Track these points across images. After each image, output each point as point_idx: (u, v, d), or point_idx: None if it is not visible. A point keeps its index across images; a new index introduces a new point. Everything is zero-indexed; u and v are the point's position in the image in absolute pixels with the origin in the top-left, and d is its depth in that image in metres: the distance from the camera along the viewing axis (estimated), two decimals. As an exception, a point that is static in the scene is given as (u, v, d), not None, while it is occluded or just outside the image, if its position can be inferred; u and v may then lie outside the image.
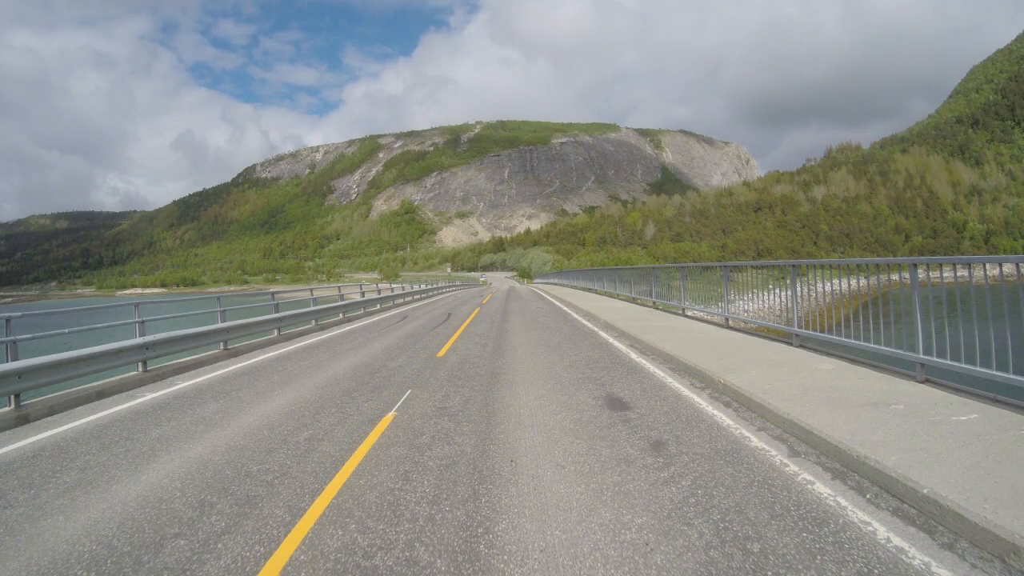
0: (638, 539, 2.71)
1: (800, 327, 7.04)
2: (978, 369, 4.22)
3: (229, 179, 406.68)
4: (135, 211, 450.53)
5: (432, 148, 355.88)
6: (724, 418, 4.70)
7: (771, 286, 8.67)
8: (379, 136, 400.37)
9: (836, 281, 7.32)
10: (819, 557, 2.51)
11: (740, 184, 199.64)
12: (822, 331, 6.53)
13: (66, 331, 7.32)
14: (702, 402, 5.25)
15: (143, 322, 8.14)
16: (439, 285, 38.30)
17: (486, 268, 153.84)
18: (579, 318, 14.08)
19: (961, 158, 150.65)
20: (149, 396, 6.62)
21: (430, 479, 3.57)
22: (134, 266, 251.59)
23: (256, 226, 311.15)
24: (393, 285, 30.14)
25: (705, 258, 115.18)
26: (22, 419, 5.60)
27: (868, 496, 3.10)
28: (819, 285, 7.03)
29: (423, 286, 32.19)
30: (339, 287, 19.95)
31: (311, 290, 15.68)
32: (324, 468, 3.85)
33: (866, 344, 5.58)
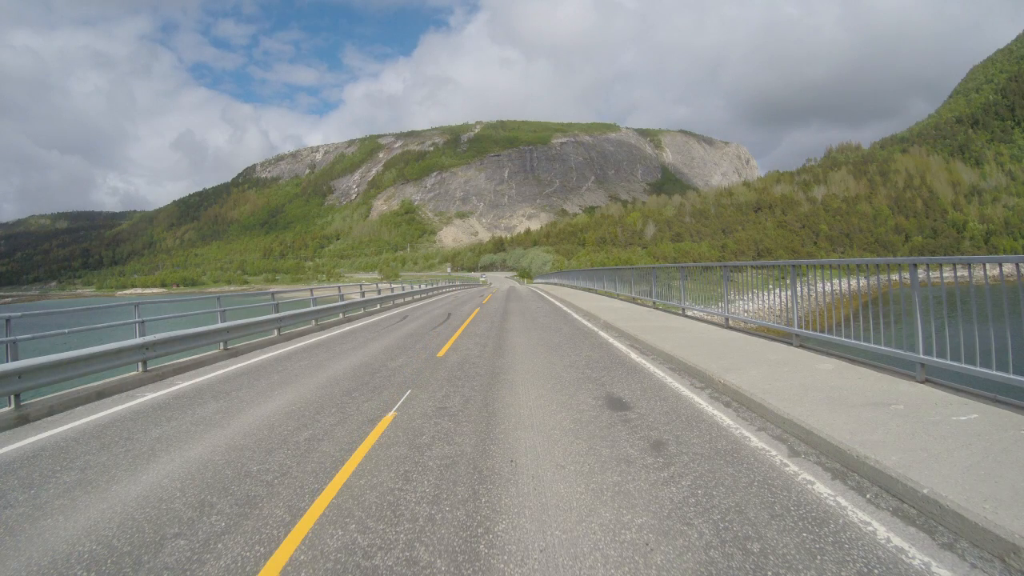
0: (638, 539, 2.71)
1: (800, 327, 7.04)
2: (978, 369, 4.22)
3: (229, 179, 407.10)
4: (135, 211, 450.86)
5: (432, 148, 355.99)
6: (724, 418, 4.70)
7: (771, 286, 8.68)
8: (379, 136, 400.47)
9: (836, 281, 7.32)
10: (819, 557, 2.51)
11: (740, 184, 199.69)
12: (822, 331, 6.53)
13: (66, 331, 7.32)
14: (702, 402, 5.25)
15: (143, 322, 8.14)
16: (439, 285, 38.29)
17: (486, 268, 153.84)
18: (579, 318, 14.08)
19: (961, 158, 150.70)
20: (149, 396, 6.62)
21: (430, 479, 3.57)
22: (134, 266, 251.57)
23: (256, 226, 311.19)
24: (393, 285, 30.14)
25: (705, 258, 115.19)
26: (22, 419, 5.60)
27: (868, 496, 3.10)
28: (819, 285, 7.03)
29: (423, 286, 32.19)
30: (339, 287, 19.95)
31: (311, 290, 15.68)
32: (324, 468, 3.85)
33: (866, 344, 5.58)
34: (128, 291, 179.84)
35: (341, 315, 16.48)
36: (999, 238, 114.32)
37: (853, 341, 5.82)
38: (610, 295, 21.70)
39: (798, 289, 7.20)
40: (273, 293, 13.68)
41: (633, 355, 8.03)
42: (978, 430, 3.65)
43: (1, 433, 5.25)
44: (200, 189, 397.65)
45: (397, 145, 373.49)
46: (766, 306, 9.25)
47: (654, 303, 15.04)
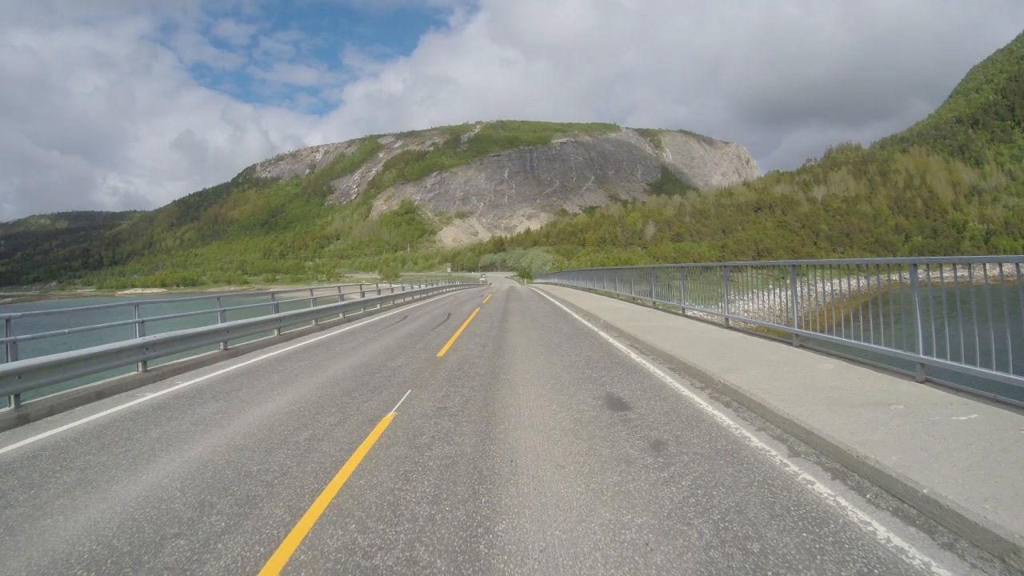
0: (638, 539, 2.71)
1: (800, 327, 7.04)
2: (978, 369, 4.22)
3: (229, 179, 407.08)
4: (135, 211, 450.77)
5: (432, 148, 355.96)
6: (724, 418, 4.70)
7: (771, 286, 8.68)
8: (379, 136, 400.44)
9: (836, 281, 7.32)
10: (819, 557, 2.51)
11: (740, 184, 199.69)
12: (822, 331, 6.53)
13: (66, 331, 7.32)
14: (702, 402, 5.25)
15: (143, 322, 8.14)
16: (439, 285, 38.29)
17: (486, 268, 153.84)
18: (579, 318, 14.08)
19: (961, 158, 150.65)
20: (149, 396, 6.62)
21: (430, 479, 3.57)
22: (134, 266, 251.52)
23: (256, 226, 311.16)
24: (393, 285, 30.14)
25: (705, 258, 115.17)
26: (22, 419, 5.60)
27: (868, 496, 3.10)
28: (819, 285, 7.04)
29: (423, 286, 32.19)
30: (339, 287, 19.95)
31: (311, 290, 15.68)
32: (324, 468, 3.85)
33: (866, 344, 5.58)
34: (128, 291, 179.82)
35: (341, 315, 16.48)
36: (999, 238, 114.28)
37: (853, 341, 5.82)
38: (610, 295, 21.70)
39: (798, 289, 7.20)
40: (273, 293, 13.68)
41: (633, 355, 8.03)
42: (978, 430, 3.65)
43: (1, 433, 5.25)
44: (200, 189, 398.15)
45: (397, 145, 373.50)
46: (766, 306, 9.25)
47: (654, 303, 15.04)
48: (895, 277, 5.87)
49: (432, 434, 4.53)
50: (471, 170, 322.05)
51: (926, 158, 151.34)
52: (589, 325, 12.29)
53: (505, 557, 2.61)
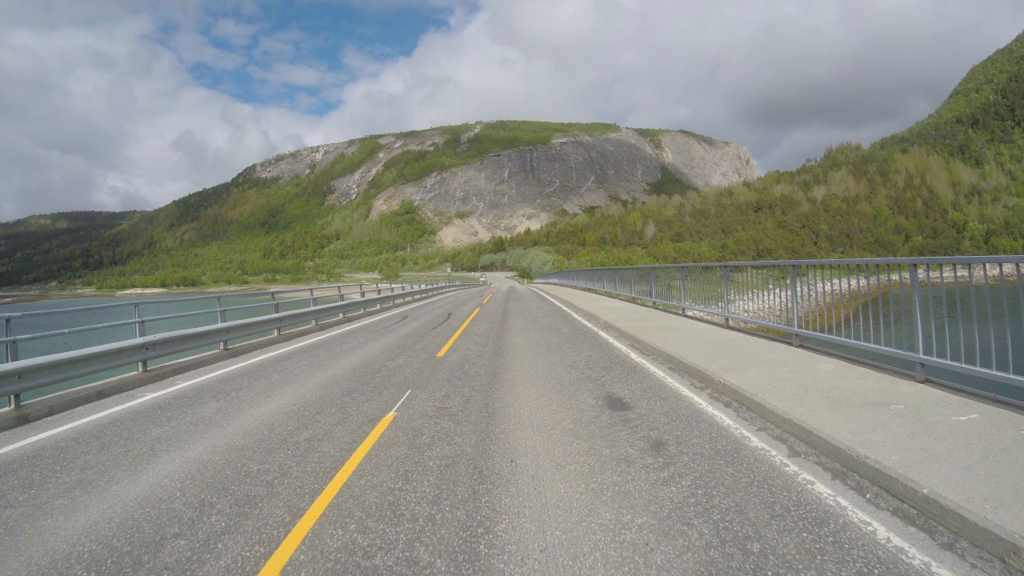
0: (638, 539, 2.71)
1: (800, 327, 7.04)
2: (978, 369, 4.22)
3: (229, 179, 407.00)
4: (135, 211, 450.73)
5: (432, 148, 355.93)
6: (724, 418, 4.70)
7: (771, 286, 8.67)
8: (379, 136, 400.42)
9: (836, 281, 7.32)
10: (819, 557, 2.51)
11: (740, 184, 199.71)
12: (822, 331, 6.53)
13: (66, 331, 7.32)
14: (702, 402, 5.25)
15: (143, 322, 8.14)
16: (439, 285, 38.30)
17: (486, 268, 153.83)
18: (579, 318, 14.08)
19: (961, 158, 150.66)
20: (149, 396, 6.62)
21: (430, 479, 3.57)
22: (134, 266, 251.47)
23: (256, 226, 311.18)
24: (393, 285, 30.14)
25: (705, 258, 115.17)
26: (22, 419, 5.60)
27: (868, 496, 3.10)
28: (819, 285, 7.03)
29: (423, 286, 32.19)
30: (339, 287, 19.95)
31: (311, 290, 15.68)
32: (324, 468, 3.85)
33: (866, 344, 5.58)
34: (128, 291, 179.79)
35: (341, 315, 16.48)
36: (999, 238, 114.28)
37: (853, 341, 5.82)
38: (610, 295, 21.70)
39: (798, 289, 7.20)
40: (273, 293, 13.68)
41: (633, 355, 8.03)
42: (978, 430, 3.65)
43: (1, 433, 5.25)
44: (200, 189, 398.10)
45: (397, 145, 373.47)
46: (766, 306, 9.25)
47: (654, 303, 15.04)
48: (895, 277, 5.86)
49: (432, 434, 4.53)
50: (471, 170, 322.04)
51: (926, 158, 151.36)
52: (589, 325, 12.29)
53: (505, 557, 2.61)
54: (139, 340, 7.62)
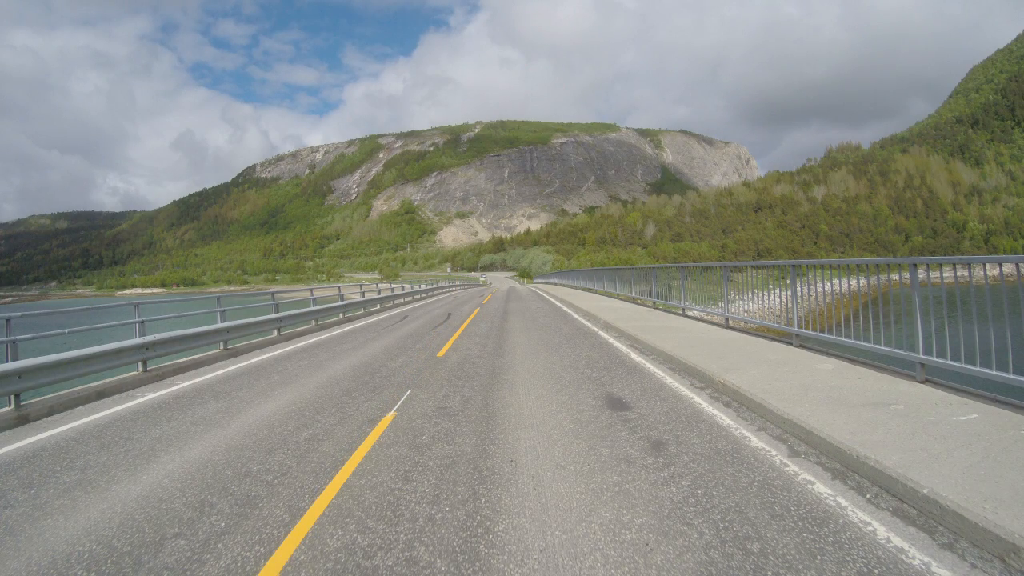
0: (638, 539, 2.71)
1: (800, 327, 7.04)
2: (978, 369, 4.22)
3: (229, 179, 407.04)
4: (135, 211, 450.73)
5: (432, 148, 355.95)
6: (724, 418, 4.70)
7: (771, 286, 8.67)
8: (379, 136, 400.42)
9: (836, 281, 7.32)
10: (819, 557, 2.51)
11: (740, 184, 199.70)
12: (822, 331, 6.53)
13: (66, 331, 7.32)
14: (702, 402, 5.25)
15: (143, 322, 8.14)
16: (439, 285, 38.30)
17: (486, 268, 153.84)
18: (579, 318, 14.08)
19: (961, 158, 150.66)
20: (149, 396, 6.62)
21: (430, 479, 3.57)
22: (134, 266, 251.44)
23: (256, 226, 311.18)
24: (393, 285, 30.14)
25: (705, 258, 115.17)
26: (22, 419, 5.60)
27: (868, 496, 3.10)
28: (819, 285, 7.03)
29: (423, 286, 32.20)
30: (339, 287, 19.95)
31: (311, 290, 15.68)
32: (324, 468, 3.85)
33: (866, 344, 5.58)
34: (128, 291, 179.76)
35: (341, 315, 16.48)
36: (999, 238, 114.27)
37: (853, 341, 5.82)
38: (610, 295, 21.70)
39: (798, 289, 7.20)
40: (273, 293, 13.68)
41: (633, 355, 8.03)
42: (978, 430, 3.65)
43: (1, 433, 5.25)
44: (200, 189, 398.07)
45: (397, 145, 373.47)
46: (766, 306, 9.25)
47: (654, 303, 15.04)
48: (895, 277, 5.86)
49: (432, 434, 4.53)
50: (471, 170, 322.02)
51: (926, 158, 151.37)
52: (589, 325, 12.29)
53: (505, 557, 2.61)
54: (139, 340, 7.61)
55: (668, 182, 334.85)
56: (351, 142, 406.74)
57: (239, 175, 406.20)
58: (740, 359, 6.61)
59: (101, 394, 6.67)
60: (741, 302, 10.44)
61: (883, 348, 5.36)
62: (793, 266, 7.37)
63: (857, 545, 2.61)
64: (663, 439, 4.19)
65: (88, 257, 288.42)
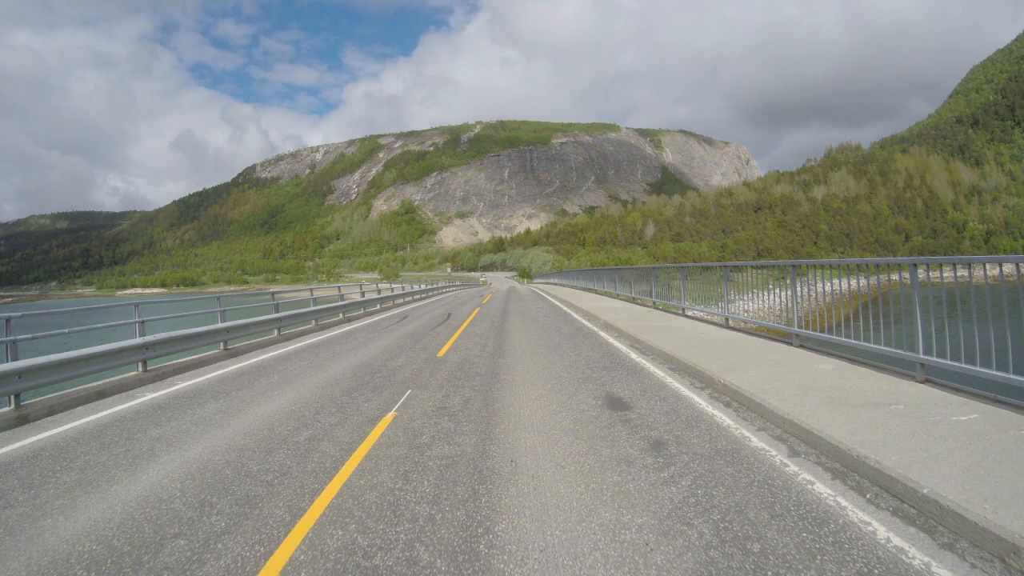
0: (638, 539, 2.71)
1: (800, 327, 7.04)
2: (978, 369, 4.22)
3: (229, 179, 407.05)
4: (135, 211, 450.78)
5: (432, 148, 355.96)
6: (724, 418, 4.70)
7: (771, 286, 8.67)
8: (379, 136, 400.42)
9: (836, 281, 7.32)
10: (819, 557, 2.51)
11: (740, 184, 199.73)
12: (822, 331, 6.53)
13: (66, 331, 7.32)
14: (702, 402, 5.25)
15: (143, 322, 8.14)
16: (439, 285, 38.30)
17: (486, 268, 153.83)
18: (579, 318, 14.08)
19: (961, 158, 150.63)
20: (149, 396, 6.62)
21: (430, 479, 3.57)
22: (134, 266, 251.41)
23: (256, 226, 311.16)
24: (393, 285, 30.14)
25: (705, 258, 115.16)
26: (22, 419, 5.60)
27: (868, 496, 3.10)
28: (819, 285, 7.03)
29: (423, 286, 32.20)
30: (339, 287, 19.95)
31: (311, 290, 15.68)
32: (324, 468, 3.85)
33: (866, 344, 5.58)
34: (128, 291, 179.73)
35: (341, 315, 16.48)
36: (999, 238, 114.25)
37: (853, 341, 5.82)
38: (610, 295, 21.70)
39: (798, 289, 7.20)
40: (273, 293, 13.68)
41: (633, 355, 8.03)
42: (978, 430, 3.65)
43: (1, 433, 5.25)
44: (200, 189, 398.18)
45: (397, 145, 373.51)
46: (766, 306, 9.25)
47: (654, 303, 15.04)
48: (895, 277, 5.86)
49: (432, 434, 4.53)
50: (471, 170, 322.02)
51: (926, 158, 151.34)
52: (589, 325, 12.29)
53: (505, 557, 2.61)
54: (139, 340, 7.61)
55: (668, 182, 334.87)
56: (351, 142, 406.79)
57: (239, 175, 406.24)
58: (740, 359, 6.61)
59: (101, 394, 6.67)
60: (741, 302, 10.44)
61: (883, 348, 5.36)
62: (793, 266, 7.37)
63: (857, 545, 2.61)
64: (663, 439, 4.19)
65: (88, 257, 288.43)
